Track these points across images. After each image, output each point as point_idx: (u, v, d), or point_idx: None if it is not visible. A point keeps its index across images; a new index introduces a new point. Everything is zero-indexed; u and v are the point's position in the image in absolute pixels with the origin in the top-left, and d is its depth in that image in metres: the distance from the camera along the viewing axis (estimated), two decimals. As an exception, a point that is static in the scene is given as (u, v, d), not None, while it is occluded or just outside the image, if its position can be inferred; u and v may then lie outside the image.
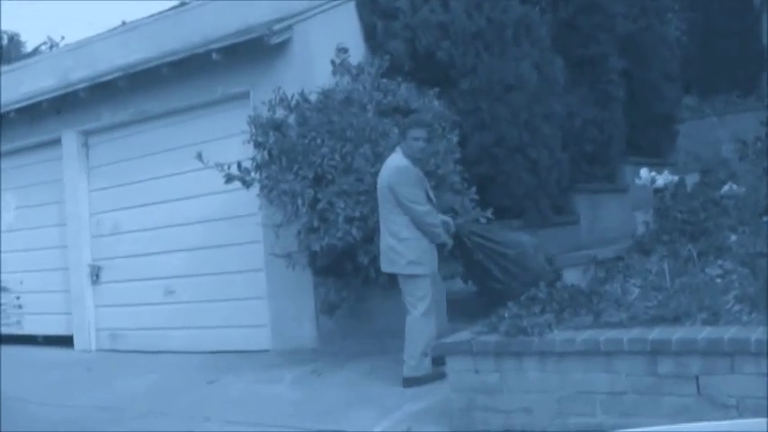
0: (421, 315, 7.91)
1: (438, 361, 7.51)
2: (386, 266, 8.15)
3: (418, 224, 7.93)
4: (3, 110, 13.23)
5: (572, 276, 8.25)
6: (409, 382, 7.90)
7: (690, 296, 6.41)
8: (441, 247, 8.21)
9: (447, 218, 8.33)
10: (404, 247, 7.94)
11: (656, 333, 5.90)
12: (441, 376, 7.36)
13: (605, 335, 6.04)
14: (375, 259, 8.48)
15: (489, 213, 8.92)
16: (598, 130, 11.56)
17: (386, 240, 8.05)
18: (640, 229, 9.62)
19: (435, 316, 8.11)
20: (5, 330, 13.66)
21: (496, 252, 8.33)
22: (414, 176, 7.96)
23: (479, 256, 8.36)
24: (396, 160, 8.03)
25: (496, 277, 8.32)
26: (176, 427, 7.84)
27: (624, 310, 6.39)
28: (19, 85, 13.54)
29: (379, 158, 8.53)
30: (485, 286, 8.48)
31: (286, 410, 7.80)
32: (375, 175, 8.50)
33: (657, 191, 9.33)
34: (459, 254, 8.49)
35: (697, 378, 5.67)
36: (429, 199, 8.09)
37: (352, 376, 8.49)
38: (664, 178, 9.33)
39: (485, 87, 9.75)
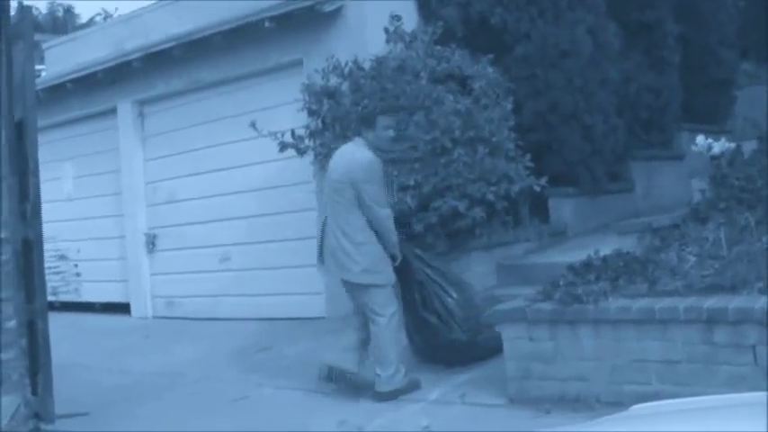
0: (387, 322, 7.18)
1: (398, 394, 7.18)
2: (336, 271, 7.36)
3: (379, 228, 7.16)
4: (59, 80, 13.35)
5: (627, 244, 8.08)
6: (383, 396, 7.16)
7: (747, 265, 6.33)
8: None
9: None
10: (358, 252, 7.13)
11: (712, 302, 5.84)
12: (416, 386, 7.22)
13: (661, 303, 6.00)
14: (430, 227, 8.48)
15: (544, 181, 8.88)
16: (654, 96, 11.42)
17: (338, 242, 7.21)
18: (696, 197, 9.51)
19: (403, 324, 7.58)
20: (64, 298, 13.84)
21: (439, 284, 7.59)
22: (381, 174, 7.25)
23: (421, 276, 7.58)
24: (361, 152, 7.20)
25: (434, 308, 7.52)
26: (231, 393, 7.91)
27: (680, 279, 6.32)
28: (74, 56, 13.66)
29: (434, 126, 8.51)
30: (417, 317, 7.63)
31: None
32: (429, 142, 8.48)
33: (714, 158, 9.21)
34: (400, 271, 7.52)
35: (754, 348, 5.62)
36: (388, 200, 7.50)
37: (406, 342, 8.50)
38: (720, 145, 9.21)
39: (539, 53, 9.67)
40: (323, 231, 7.45)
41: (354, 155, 7.22)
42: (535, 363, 6.47)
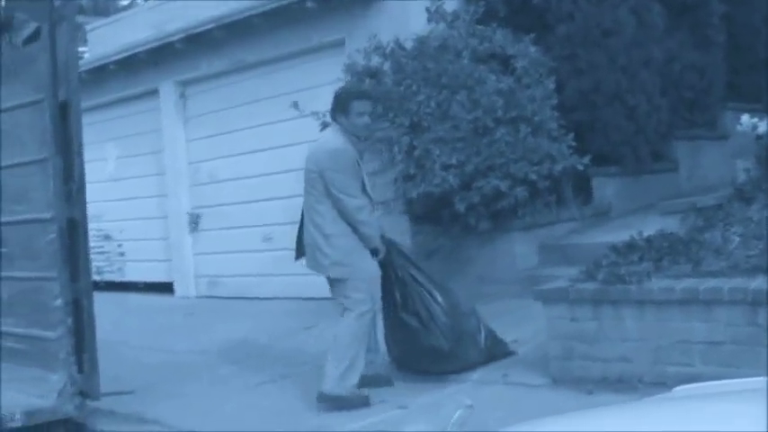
0: (355, 318, 6.77)
1: (365, 381, 6.85)
2: (310, 264, 7.09)
3: (348, 220, 6.80)
4: (101, 62, 13.44)
5: (670, 224, 8.02)
6: (326, 399, 6.72)
7: (792, 245, 6.28)
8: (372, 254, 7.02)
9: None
10: (328, 245, 6.82)
11: (757, 283, 5.79)
12: (364, 403, 6.70)
13: (705, 284, 5.96)
14: (472, 207, 8.48)
15: (587, 160, 8.84)
16: (698, 75, 11.30)
17: (310, 234, 6.95)
18: (741, 177, 9.43)
19: (373, 328, 7.10)
20: (108, 277, 13.96)
21: (423, 286, 7.10)
22: (350, 162, 6.81)
23: (404, 274, 7.11)
24: (332, 140, 6.93)
25: (415, 310, 7.04)
26: (274, 372, 7.96)
27: (724, 259, 6.28)
28: (116, 38, 13.72)
29: (476, 105, 8.48)
30: (395, 318, 7.18)
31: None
32: (472, 122, 8.45)
33: (759, 137, 9.11)
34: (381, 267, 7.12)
35: (799, 329, 5.58)
36: (364, 191, 6.98)
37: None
38: (766, 124, 9.11)
39: (581, 33, 9.60)
40: (300, 226, 7.14)
41: (324, 143, 6.99)
42: (577, 343, 6.45)
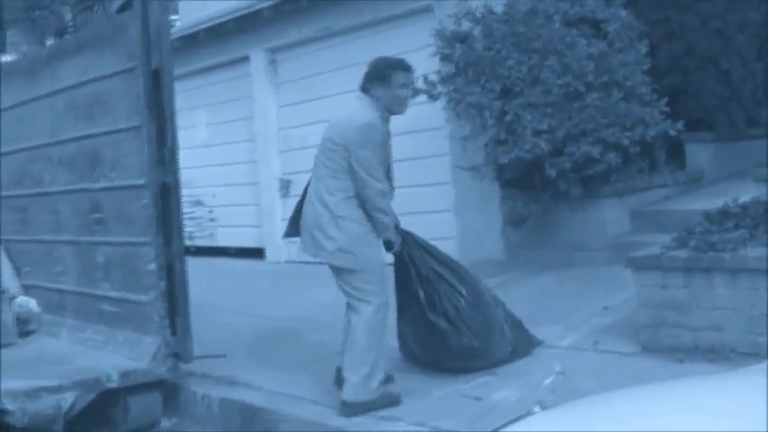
0: (373, 312, 6.06)
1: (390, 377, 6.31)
2: (307, 246, 6.30)
3: (366, 205, 6.07)
4: (192, 30, 13.59)
5: (764, 191, 7.81)
6: (350, 408, 6.04)
7: None
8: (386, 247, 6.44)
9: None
10: (335, 227, 6.05)
11: None
12: (394, 401, 6.13)
13: (802, 251, 5.85)
14: (563, 173, 8.41)
15: (680, 126, 8.71)
16: (796, 38, 11.06)
17: (315, 213, 6.14)
18: (840, 142, 9.23)
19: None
20: (200, 243, 14.15)
21: (446, 280, 6.54)
22: (381, 140, 6.13)
23: (428, 270, 6.51)
24: (364, 113, 6.16)
25: (443, 309, 6.46)
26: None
27: (821, 227, 6.16)
28: (206, 6, 13.84)
29: (567, 70, 8.39)
30: (422, 321, 6.55)
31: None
32: (562, 86, 8.36)
33: None
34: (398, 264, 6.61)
35: None
36: (388, 176, 6.29)
37: (538, 289, 8.46)
38: None
39: (674, -5, 9.45)
40: (300, 201, 6.41)
41: (355, 115, 6.21)
42: (668, 311, 6.38)
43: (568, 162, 8.43)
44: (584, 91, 8.44)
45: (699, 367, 5.80)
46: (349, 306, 6.21)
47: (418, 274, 6.48)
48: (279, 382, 6.97)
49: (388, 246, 6.41)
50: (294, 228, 6.42)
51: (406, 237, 6.54)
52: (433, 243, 10.46)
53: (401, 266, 6.57)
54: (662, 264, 6.38)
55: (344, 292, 6.20)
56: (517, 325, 6.82)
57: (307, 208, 6.25)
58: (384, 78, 6.23)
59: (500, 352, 6.60)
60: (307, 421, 6.16)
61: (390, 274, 6.49)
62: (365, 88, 6.28)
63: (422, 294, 6.48)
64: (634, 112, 8.55)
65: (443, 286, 6.50)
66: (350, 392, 6.04)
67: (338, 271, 6.18)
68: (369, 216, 6.10)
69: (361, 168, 6.01)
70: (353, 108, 6.29)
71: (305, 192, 6.36)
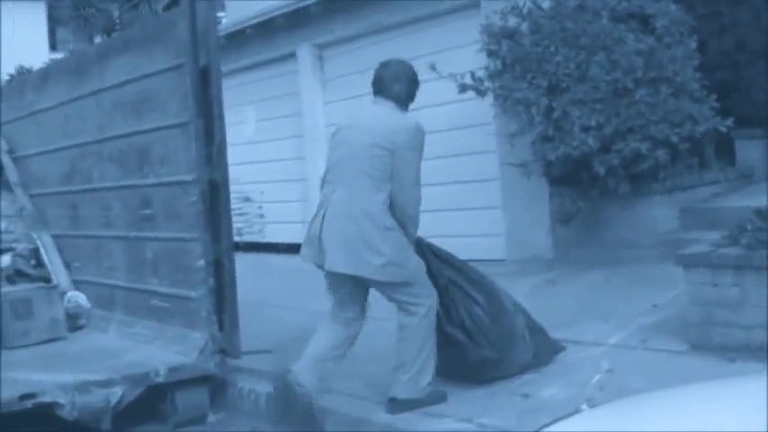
0: (423, 316, 5.89)
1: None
2: (348, 265, 5.81)
3: (405, 214, 5.84)
4: (239, 27, 13.65)
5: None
6: (398, 405, 5.93)
7: None
8: None
9: None
10: (383, 240, 5.71)
11: None
12: (441, 399, 6.01)
13: None
14: (612, 169, 8.35)
15: (730, 122, 8.62)
16: None
17: (357, 227, 5.74)
18: None
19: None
20: (248, 239, 14.21)
21: (462, 289, 6.26)
22: (423, 147, 5.94)
23: (445, 280, 6.21)
24: (404, 116, 6.02)
25: (460, 321, 6.19)
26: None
27: None
28: (253, 3, 13.89)
29: (615, 66, 8.33)
30: (440, 333, 6.16)
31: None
32: (611, 83, 8.30)
33: None
34: None
35: None
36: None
37: (586, 286, 8.42)
38: None
39: (725, -11, 9.37)
40: (323, 214, 5.94)
41: (397, 119, 5.95)
42: (719, 309, 6.31)
43: (617, 159, 8.38)
44: (633, 87, 8.39)
45: (750, 366, 5.74)
46: (400, 308, 5.96)
47: (435, 285, 6.11)
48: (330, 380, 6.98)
49: None
50: (313, 249, 6.03)
51: (422, 247, 6.23)
52: (479, 240, 10.56)
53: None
54: (712, 261, 6.32)
55: (394, 300, 5.96)
56: (539, 331, 6.56)
57: (338, 224, 5.80)
58: (416, 84, 6.25)
59: (521, 360, 6.35)
60: (353, 417, 6.16)
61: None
62: (400, 100, 6.10)
63: (439, 307, 6.14)
64: (683, 108, 8.48)
65: (460, 296, 6.24)
66: (400, 389, 5.93)
67: (385, 285, 5.86)
68: (402, 225, 5.84)
69: (406, 173, 5.78)
70: (389, 113, 5.99)
71: (325, 207, 5.93)
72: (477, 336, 6.17)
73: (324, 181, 6.12)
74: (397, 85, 6.11)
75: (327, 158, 6.16)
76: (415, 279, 5.87)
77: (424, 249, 6.22)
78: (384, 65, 6.31)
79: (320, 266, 6.02)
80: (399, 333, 5.96)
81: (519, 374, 6.31)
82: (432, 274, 6.11)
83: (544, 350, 6.54)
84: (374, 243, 5.69)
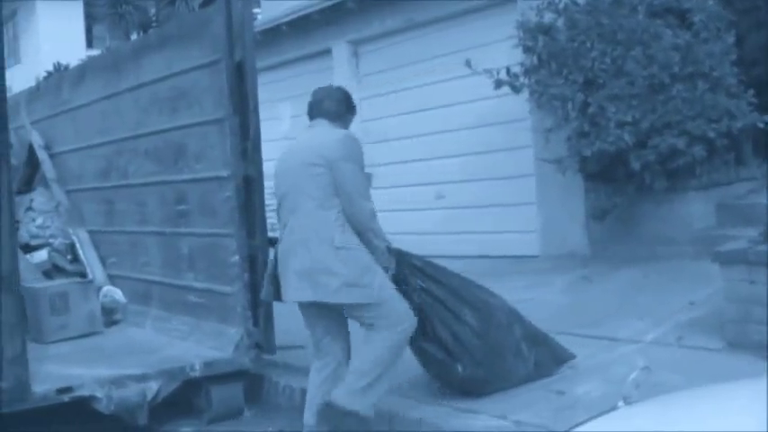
0: (390, 338, 5.48)
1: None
2: (304, 293, 5.48)
3: (360, 227, 5.52)
4: (274, 23, 13.68)
5: None
6: (334, 410, 5.49)
7: None
8: None
9: None
10: (339, 260, 5.36)
11: None
12: (375, 426, 5.68)
13: None
14: (648, 165, 8.31)
15: (768, 118, 8.56)
16: None
17: (309, 252, 5.42)
18: None
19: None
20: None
21: (444, 305, 5.91)
22: (362, 154, 5.70)
23: (421, 297, 5.85)
24: (336, 130, 5.74)
25: (436, 337, 5.89)
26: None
27: None
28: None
29: (652, 61, 8.28)
30: (417, 346, 5.97)
31: (556, 315, 7.79)
32: (647, 78, 8.25)
33: None
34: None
35: None
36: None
37: (622, 283, 8.38)
38: None
39: (764, -16, 9.28)
40: (277, 252, 5.71)
41: (326, 132, 5.70)
42: (756, 306, 6.25)
43: (653, 154, 8.33)
44: (670, 82, 8.34)
45: (787, 364, 5.69)
46: (366, 328, 5.55)
47: (410, 299, 5.74)
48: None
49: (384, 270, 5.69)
50: (271, 286, 5.78)
51: (400, 258, 5.87)
52: (514, 236, 10.53)
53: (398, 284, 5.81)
54: (749, 258, 6.26)
55: (366, 324, 5.55)
56: (541, 341, 6.28)
57: (292, 254, 5.51)
58: (353, 109, 6.03)
59: (515, 375, 6.10)
60: (386, 412, 6.16)
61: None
62: (335, 117, 5.85)
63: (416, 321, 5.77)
64: (720, 103, 8.42)
65: (440, 311, 5.88)
66: (342, 396, 5.49)
67: (352, 307, 5.52)
68: (365, 241, 5.51)
69: (350, 185, 5.50)
70: (315, 132, 5.79)
71: (279, 245, 5.70)
72: (460, 354, 5.89)
73: (278, 218, 5.84)
74: (327, 102, 5.90)
75: (274, 193, 5.91)
76: (381, 300, 5.45)
77: (401, 260, 5.86)
78: (315, 91, 6.11)
79: (278, 300, 5.79)
80: (364, 338, 5.56)
81: (515, 387, 6.08)
82: (408, 289, 5.81)
83: (547, 360, 6.29)
84: (328, 264, 5.36)
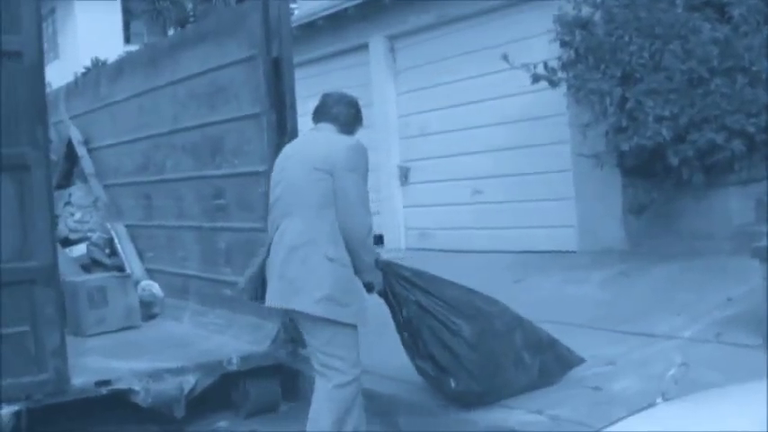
0: (345, 385, 5.25)
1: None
2: (282, 297, 5.31)
3: (354, 241, 5.28)
4: (311, 18, 13.70)
5: None
6: None
7: None
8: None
9: None
10: (325, 271, 5.16)
11: None
12: None
13: None
14: (686, 160, 8.25)
15: (808, 113, 8.47)
16: None
17: (299, 262, 5.22)
18: None
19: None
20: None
21: (435, 317, 5.71)
22: (367, 167, 5.49)
23: (411, 310, 5.72)
24: (345, 138, 5.53)
25: (428, 353, 5.74)
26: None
27: None
28: (325, -7, 13.95)
29: (690, 55, 8.22)
30: (413, 363, 5.93)
31: (593, 311, 7.77)
32: (686, 72, 8.18)
33: None
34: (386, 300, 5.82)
35: None
36: None
37: (660, 279, 8.34)
38: None
39: (805, -24, 9.17)
40: (267, 252, 5.46)
41: (333, 139, 5.49)
42: (796, 303, 6.22)
43: (691, 149, 8.27)
44: (708, 77, 8.27)
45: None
46: (316, 367, 5.37)
47: (401, 316, 5.74)
48: (396, 369, 6.98)
49: (368, 287, 5.59)
50: (257, 286, 5.56)
51: (389, 269, 5.75)
52: (551, 231, 10.49)
53: (387, 300, 5.83)
54: (788, 254, 6.22)
55: (314, 351, 5.36)
56: (546, 347, 6.07)
57: (280, 259, 5.30)
58: (361, 120, 5.86)
59: (516, 384, 5.92)
60: (426, 409, 6.15)
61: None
62: (346, 123, 5.69)
63: (406, 336, 5.82)
64: (760, 98, 8.34)
65: (431, 324, 5.71)
66: None
67: (314, 324, 5.27)
68: (355, 256, 5.31)
69: (349, 195, 5.26)
70: (320, 136, 5.58)
71: (272, 240, 5.43)
72: (453, 369, 5.71)
73: (269, 219, 5.62)
74: (335, 107, 5.69)
75: (270, 194, 5.67)
76: (353, 321, 5.26)
77: (388, 273, 5.72)
78: (325, 95, 5.90)
79: (260, 301, 5.58)
80: (314, 395, 5.37)
81: (516, 396, 5.92)
82: (398, 303, 5.74)
83: (554, 367, 6.11)
84: (319, 275, 5.15)
